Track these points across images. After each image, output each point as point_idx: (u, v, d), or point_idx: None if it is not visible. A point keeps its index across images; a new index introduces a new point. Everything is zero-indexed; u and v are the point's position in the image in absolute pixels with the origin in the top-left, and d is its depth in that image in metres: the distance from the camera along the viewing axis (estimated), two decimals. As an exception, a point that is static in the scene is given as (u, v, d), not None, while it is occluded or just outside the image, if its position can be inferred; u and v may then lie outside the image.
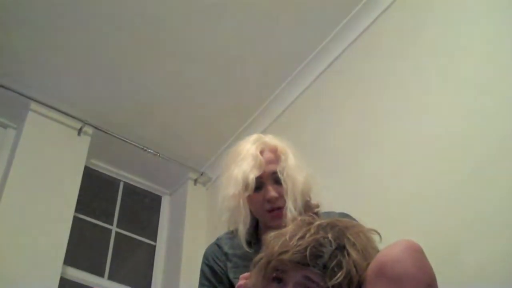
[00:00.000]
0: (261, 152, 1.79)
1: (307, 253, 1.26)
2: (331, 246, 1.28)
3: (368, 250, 1.32)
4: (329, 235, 1.30)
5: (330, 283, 1.24)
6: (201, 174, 3.87)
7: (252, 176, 1.73)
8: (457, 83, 2.32)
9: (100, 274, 3.40)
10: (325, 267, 1.26)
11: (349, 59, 3.02)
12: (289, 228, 1.37)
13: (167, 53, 3.26)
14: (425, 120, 2.41)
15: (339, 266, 1.26)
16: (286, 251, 1.29)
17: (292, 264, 1.28)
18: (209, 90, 3.43)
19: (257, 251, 1.77)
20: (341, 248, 1.28)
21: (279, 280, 1.31)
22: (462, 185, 2.09)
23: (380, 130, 2.62)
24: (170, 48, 3.24)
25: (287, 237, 1.32)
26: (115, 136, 3.58)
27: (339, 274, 1.24)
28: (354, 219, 1.70)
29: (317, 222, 1.35)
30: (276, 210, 1.75)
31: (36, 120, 3.38)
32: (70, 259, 3.17)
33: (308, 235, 1.30)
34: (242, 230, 1.77)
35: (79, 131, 3.49)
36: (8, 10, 3.02)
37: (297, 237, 1.31)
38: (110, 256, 3.51)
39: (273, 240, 1.36)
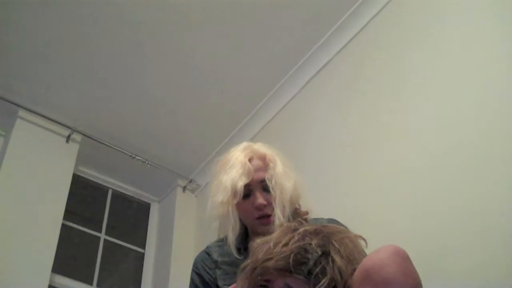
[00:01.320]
0: (250, 160, 1.81)
1: (291, 260, 1.27)
2: (315, 252, 1.29)
3: (354, 256, 1.32)
4: (314, 242, 1.31)
5: None
6: (190, 181, 3.87)
7: (241, 184, 1.74)
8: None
9: (89, 282, 3.38)
10: (309, 273, 1.27)
11: (339, 65, 3.03)
12: (274, 235, 1.37)
13: (156, 61, 3.26)
14: (414, 125, 2.42)
15: (323, 272, 1.26)
16: (270, 258, 1.30)
17: (276, 271, 1.29)
18: (198, 97, 3.43)
19: (246, 258, 1.78)
20: (325, 254, 1.29)
21: (264, 287, 1.32)
22: (451, 189, 2.10)
23: (371, 136, 2.62)
24: (159, 56, 3.24)
25: (271, 244, 1.33)
26: (103, 144, 3.58)
27: (323, 281, 1.25)
28: (342, 225, 1.71)
29: (302, 229, 1.36)
30: (264, 217, 1.77)
31: (24, 127, 3.36)
32: (59, 267, 3.16)
33: (292, 242, 1.31)
34: (232, 237, 1.78)
35: (68, 138, 3.48)
36: (-4, 17, 3.02)
37: (281, 244, 1.32)
38: (98, 264, 3.50)
39: (258, 247, 1.37)
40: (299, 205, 1.84)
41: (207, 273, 1.83)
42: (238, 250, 1.80)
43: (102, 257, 3.54)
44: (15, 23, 3.04)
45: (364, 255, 1.33)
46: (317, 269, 1.26)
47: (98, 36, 3.14)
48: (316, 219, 1.78)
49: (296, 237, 1.32)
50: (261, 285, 1.33)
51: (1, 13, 2.99)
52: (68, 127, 3.48)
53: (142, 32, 3.13)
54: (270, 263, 1.29)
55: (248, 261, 1.38)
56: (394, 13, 2.81)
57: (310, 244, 1.30)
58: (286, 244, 1.31)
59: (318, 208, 1.87)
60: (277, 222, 1.70)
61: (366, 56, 2.88)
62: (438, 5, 2.59)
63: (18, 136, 3.32)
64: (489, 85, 2.17)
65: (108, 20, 3.07)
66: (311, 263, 1.27)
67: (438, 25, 2.54)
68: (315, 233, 1.34)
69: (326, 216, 1.83)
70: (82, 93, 3.42)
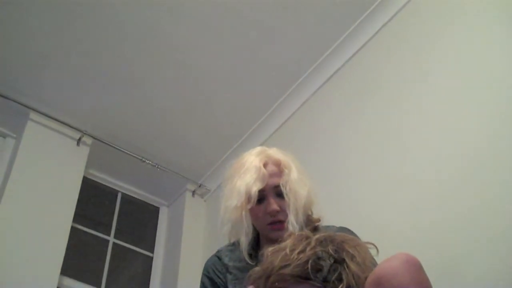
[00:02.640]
0: (265, 165, 1.80)
1: (309, 266, 1.27)
2: (330, 259, 1.29)
3: (366, 263, 1.32)
4: (328, 249, 1.31)
5: None
6: (199, 186, 3.87)
7: (255, 189, 1.74)
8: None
9: (97, 285, 3.38)
10: (325, 280, 1.26)
11: (350, 71, 3.03)
12: (288, 242, 1.37)
13: (167, 64, 3.27)
14: (424, 130, 2.41)
15: (339, 279, 1.26)
16: (287, 265, 1.29)
17: (292, 278, 1.28)
18: (209, 102, 3.44)
19: (258, 264, 1.78)
20: (341, 261, 1.29)
21: None
22: (462, 197, 2.09)
23: (383, 142, 2.61)
24: (170, 59, 3.24)
25: (287, 251, 1.32)
26: (114, 147, 3.58)
27: (339, 287, 1.25)
28: (353, 234, 1.70)
29: (316, 236, 1.36)
30: (277, 223, 1.76)
31: (35, 130, 3.38)
32: (67, 270, 3.16)
33: (308, 248, 1.31)
34: (244, 242, 1.77)
35: (78, 141, 3.49)
36: (8, 19, 3.03)
37: (297, 251, 1.31)
38: (107, 267, 3.50)
39: (272, 254, 1.36)
40: (312, 212, 1.83)
41: (218, 277, 1.83)
42: (250, 255, 1.80)
43: (111, 260, 3.55)
44: (27, 26, 3.05)
45: (375, 263, 1.33)
46: (334, 276, 1.26)
47: (110, 40, 3.16)
48: (327, 227, 1.77)
49: (312, 244, 1.32)
50: None
51: (13, 16, 3.01)
52: (79, 130, 3.49)
53: (154, 37, 3.14)
54: (287, 270, 1.28)
55: (258, 268, 1.37)
56: (406, 19, 2.81)
57: (326, 251, 1.30)
58: (302, 251, 1.30)
59: (329, 214, 1.86)
60: (290, 228, 1.69)
61: (377, 62, 2.87)
62: (452, 9, 2.58)
63: (29, 139, 3.34)
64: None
65: (121, 25, 3.08)
66: (325, 269, 1.27)
67: (451, 29, 2.53)
68: (329, 240, 1.34)
69: (337, 224, 1.83)
70: (93, 96, 3.43)
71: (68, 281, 3.22)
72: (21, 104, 3.33)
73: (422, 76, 2.56)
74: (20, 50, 3.19)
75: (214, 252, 1.94)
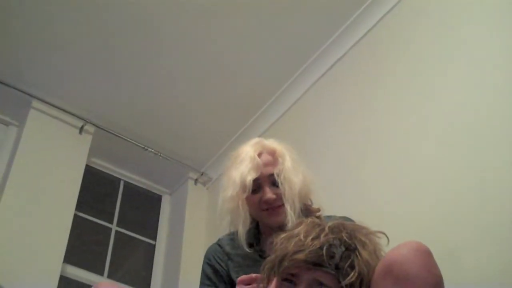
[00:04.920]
0: (259, 155, 1.82)
1: (323, 252, 1.28)
2: (342, 247, 1.30)
3: (377, 252, 1.35)
4: (342, 235, 1.32)
5: (343, 283, 1.26)
6: (202, 174, 3.88)
7: (249, 178, 1.76)
8: (460, 80, 2.32)
9: (100, 272, 3.39)
10: (337, 267, 1.28)
11: (352, 60, 3.02)
12: (301, 228, 1.38)
13: (169, 54, 3.27)
14: (425, 120, 2.41)
15: (351, 266, 1.28)
16: (302, 250, 1.30)
17: (306, 264, 1.29)
18: (210, 90, 3.44)
19: (258, 252, 1.80)
20: (352, 249, 1.31)
21: (290, 281, 1.32)
22: (462, 185, 2.09)
23: (381, 131, 2.62)
24: (172, 48, 3.24)
25: (301, 237, 1.33)
26: (116, 135, 3.59)
27: (351, 274, 1.27)
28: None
29: (329, 224, 1.37)
30: (272, 208, 1.78)
31: (38, 118, 3.38)
32: (70, 257, 3.18)
33: (322, 235, 1.32)
34: (242, 231, 1.79)
35: (81, 130, 3.50)
36: (10, 8, 3.03)
37: (310, 237, 1.32)
38: (109, 255, 3.51)
39: (285, 240, 1.37)
40: (311, 201, 1.84)
41: (220, 264, 1.85)
42: (250, 245, 1.81)
43: (113, 248, 3.56)
44: (29, 13, 3.05)
45: (383, 251, 1.35)
46: (346, 264, 1.28)
47: (112, 28, 3.15)
48: (329, 217, 1.77)
49: (326, 230, 1.33)
50: (286, 279, 1.33)
51: (15, 3, 3.00)
52: (82, 118, 3.49)
53: (156, 25, 3.13)
54: (301, 255, 1.29)
55: (271, 256, 1.38)
56: (409, 8, 2.79)
57: (339, 238, 1.32)
58: (316, 237, 1.31)
59: (331, 204, 1.87)
60: (288, 217, 1.70)
61: (380, 51, 2.86)
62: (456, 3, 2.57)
63: (31, 127, 3.34)
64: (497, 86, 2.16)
65: (122, 12, 3.07)
66: (338, 257, 1.28)
67: (457, 20, 2.52)
68: (342, 228, 1.35)
69: (338, 212, 1.84)
70: (95, 84, 3.43)
71: (71, 268, 3.23)
72: (24, 93, 3.34)
73: (426, 67, 2.55)
74: (22, 39, 3.18)
75: (215, 240, 1.95)
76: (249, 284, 1.56)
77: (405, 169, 2.40)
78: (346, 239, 1.32)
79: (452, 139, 2.24)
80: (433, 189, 2.21)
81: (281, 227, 1.64)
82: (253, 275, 1.55)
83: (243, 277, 1.60)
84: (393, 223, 2.18)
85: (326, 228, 1.34)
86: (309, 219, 1.44)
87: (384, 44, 2.85)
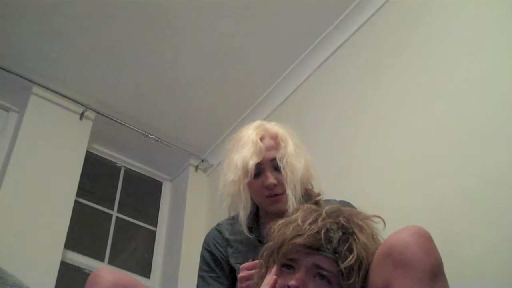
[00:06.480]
0: (261, 139, 1.80)
1: (322, 236, 1.29)
2: (340, 231, 1.31)
3: (375, 236, 1.37)
4: (339, 220, 1.34)
5: (342, 266, 1.27)
6: (202, 161, 3.88)
7: (252, 163, 1.74)
8: (461, 77, 2.31)
9: (100, 258, 3.40)
10: (335, 251, 1.29)
11: (356, 45, 3.00)
12: (298, 214, 1.39)
13: (170, 39, 3.25)
14: (427, 112, 2.39)
15: (350, 250, 1.29)
16: (300, 235, 1.31)
17: (305, 248, 1.30)
18: (212, 76, 3.42)
19: (257, 237, 1.79)
20: (350, 233, 1.32)
21: (289, 266, 1.33)
22: (462, 176, 2.08)
23: (381, 121, 2.61)
24: (174, 34, 3.23)
25: (299, 222, 1.34)
26: (117, 121, 3.58)
27: (350, 257, 1.28)
28: (354, 207, 1.71)
29: (325, 209, 1.38)
30: (275, 195, 1.77)
31: (38, 104, 3.37)
32: (71, 243, 3.18)
33: (320, 219, 1.33)
34: (243, 216, 1.78)
35: (81, 116, 3.49)
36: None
37: (308, 221, 1.33)
38: (110, 241, 3.52)
39: (283, 227, 1.38)
40: (312, 186, 1.84)
41: (218, 250, 1.85)
42: (249, 229, 1.81)
43: (114, 234, 3.57)
44: (29, 0, 3.04)
45: (379, 235, 1.35)
46: (344, 247, 1.29)
47: (113, 13, 3.13)
48: (328, 201, 1.78)
49: (323, 215, 1.34)
50: (285, 264, 1.33)
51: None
52: (82, 105, 3.48)
53: (157, 10, 3.11)
54: (300, 240, 1.30)
55: (271, 242, 1.39)
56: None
57: (337, 222, 1.33)
58: (314, 222, 1.33)
59: (332, 189, 1.86)
60: (289, 202, 1.70)
61: (386, 35, 2.84)
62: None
63: (32, 113, 3.33)
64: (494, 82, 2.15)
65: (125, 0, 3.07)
66: (336, 241, 1.29)
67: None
68: (339, 213, 1.37)
69: (338, 198, 1.83)
70: (96, 70, 3.42)
71: (72, 254, 3.24)
72: (24, 78, 3.32)
73: (427, 57, 2.54)
74: (23, 25, 3.17)
75: (215, 225, 1.95)
76: (252, 269, 1.56)
77: (405, 157, 2.39)
78: (344, 223, 1.33)
79: (452, 130, 2.22)
80: (432, 178, 2.21)
81: (281, 213, 1.64)
82: (257, 261, 1.56)
83: (247, 264, 1.60)
84: (390, 211, 2.18)
85: (323, 213, 1.35)
86: (306, 205, 1.45)
87: (387, 31, 2.83)
